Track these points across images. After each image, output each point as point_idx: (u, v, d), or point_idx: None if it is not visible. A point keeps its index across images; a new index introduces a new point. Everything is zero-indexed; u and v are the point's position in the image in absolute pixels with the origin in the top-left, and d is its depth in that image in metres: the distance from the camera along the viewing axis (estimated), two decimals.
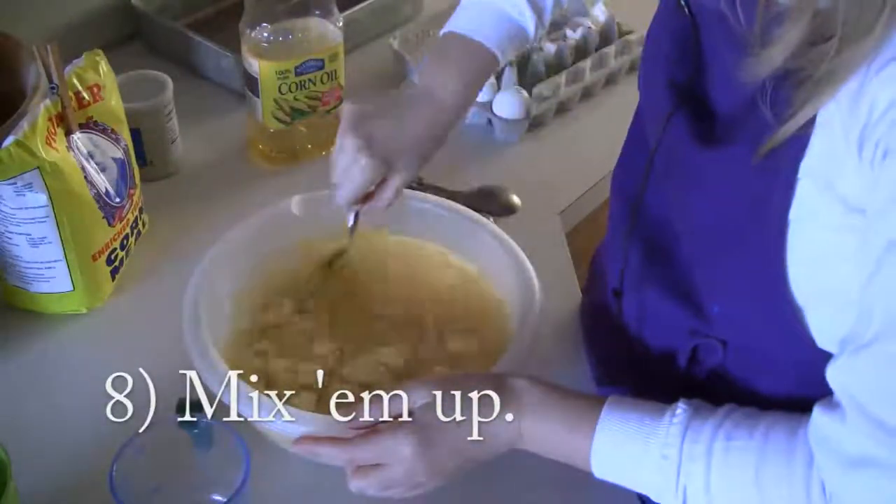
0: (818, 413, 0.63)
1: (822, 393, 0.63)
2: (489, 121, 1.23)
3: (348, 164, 0.84)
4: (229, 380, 0.78)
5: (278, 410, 0.76)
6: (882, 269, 0.57)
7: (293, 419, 0.75)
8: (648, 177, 0.79)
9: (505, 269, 0.90)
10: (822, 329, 0.66)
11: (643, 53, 0.81)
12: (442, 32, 0.91)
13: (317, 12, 1.10)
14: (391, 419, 0.73)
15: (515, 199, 1.13)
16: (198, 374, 0.79)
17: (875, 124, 0.56)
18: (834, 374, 0.62)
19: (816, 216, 0.62)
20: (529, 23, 0.90)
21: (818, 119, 0.60)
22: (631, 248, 0.82)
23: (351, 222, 0.91)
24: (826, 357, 0.63)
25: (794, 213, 0.63)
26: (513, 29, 0.90)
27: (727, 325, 0.75)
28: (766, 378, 0.74)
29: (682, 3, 0.71)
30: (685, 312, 0.77)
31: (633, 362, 0.86)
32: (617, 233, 0.87)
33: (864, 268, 0.59)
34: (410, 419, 0.72)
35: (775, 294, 0.66)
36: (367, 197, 0.87)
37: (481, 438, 0.72)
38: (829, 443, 0.62)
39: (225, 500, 0.72)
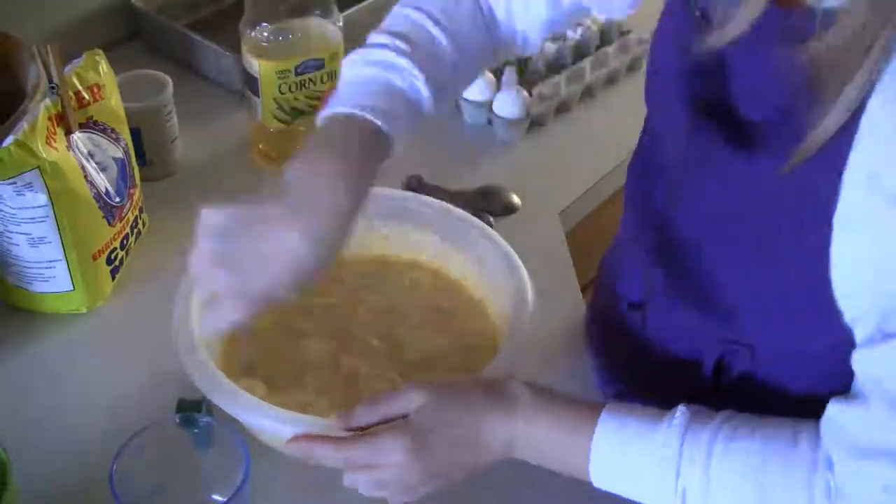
0: (833, 405, 0.63)
1: (845, 388, 0.63)
2: (489, 121, 1.23)
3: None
4: (223, 381, 0.78)
5: (272, 411, 0.76)
6: None
7: (286, 421, 0.75)
8: (663, 190, 0.77)
9: (498, 270, 0.90)
10: (863, 326, 0.65)
11: (649, 67, 0.77)
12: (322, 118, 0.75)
13: (317, 12, 1.10)
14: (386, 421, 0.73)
15: (515, 199, 1.13)
16: (190, 376, 0.78)
17: None
18: (860, 361, 0.61)
19: (862, 218, 0.60)
20: (411, 78, 0.77)
21: (863, 115, 0.57)
22: (655, 263, 0.81)
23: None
24: None
25: (838, 216, 0.60)
26: (384, 87, 0.76)
27: (758, 330, 0.74)
28: (794, 378, 0.74)
29: (694, 10, 0.68)
30: (712, 319, 0.76)
31: (656, 373, 0.85)
32: (637, 247, 0.84)
33: None
34: (405, 422, 0.71)
35: (816, 298, 0.64)
36: None
37: (475, 443, 0.71)
38: (843, 433, 0.61)
39: (225, 499, 0.72)
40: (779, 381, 0.75)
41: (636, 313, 0.85)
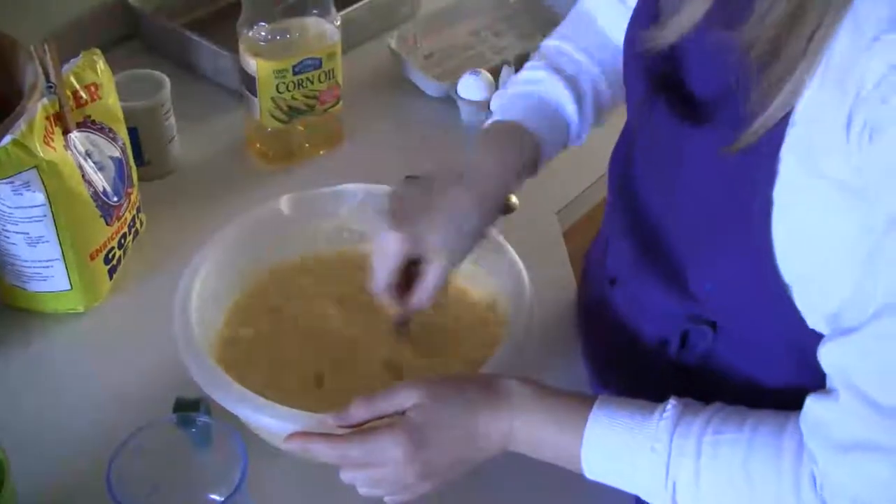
0: (811, 400, 0.63)
1: (819, 382, 0.63)
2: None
3: (378, 244, 0.82)
4: (220, 379, 0.78)
5: (270, 409, 0.76)
6: (883, 247, 0.57)
7: (284, 417, 0.75)
8: (632, 162, 0.79)
9: (496, 269, 0.90)
10: (810, 308, 0.66)
11: (624, 41, 0.80)
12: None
13: (314, 11, 1.10)
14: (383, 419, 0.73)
15: (513, 198, 1.13)
16: (190, 373, 0.79)
17: (863, 101, 0.55)
18: (827, 354, 0.62)
19: (800, 195, 0.62)
20: (564, 97, 0.89)
21: (800, 100, 0.59)
22: (622, 236, 0.82)
23: (398, 321, 0.86)
24: (819, 340, 0.63)
25: (777, 193, 0.62)
26: (539, 102, 0.89)
27: (718, 306, 0.74)
28: (759, 365, 0.74)
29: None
30: (676, 294, 0.77)
31: (625, 354, 0.85)
32: (610, 221, 0.87)
33: (860, 246, 0.58)
34: (402, 419, 0.72)
35: (763, 273, 0.66)
36: (408, 292, 0.83)
37: (472, 440, 0.72)
38: (820, 428, 0.62)
39: (222, 499, 0.72)
40: (742, 368, 0.75)
41: (613, 290, 0.86)
